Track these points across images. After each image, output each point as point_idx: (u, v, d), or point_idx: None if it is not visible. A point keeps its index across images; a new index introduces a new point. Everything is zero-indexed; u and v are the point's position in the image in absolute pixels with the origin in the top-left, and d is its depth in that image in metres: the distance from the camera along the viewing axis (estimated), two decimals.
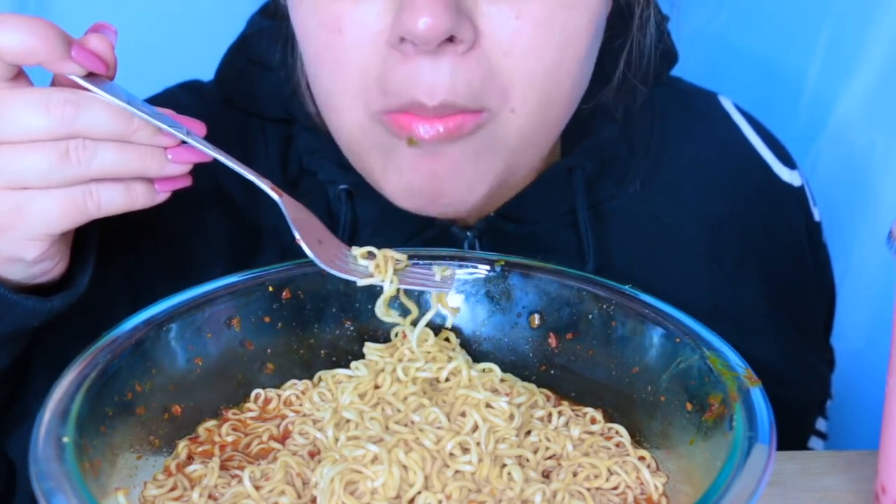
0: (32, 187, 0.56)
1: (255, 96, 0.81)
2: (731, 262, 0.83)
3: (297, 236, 0.60)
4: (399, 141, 0.66)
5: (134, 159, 0.57)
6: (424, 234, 0.77)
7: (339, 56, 0.65)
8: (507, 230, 0.78)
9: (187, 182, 0.60)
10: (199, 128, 0.59)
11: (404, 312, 0.65)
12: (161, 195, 0.60)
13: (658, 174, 0.83)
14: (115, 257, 0.74)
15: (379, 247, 0.76)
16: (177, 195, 0.61)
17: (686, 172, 0.84)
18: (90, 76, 0.56)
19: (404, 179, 0.68)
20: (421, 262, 0.65)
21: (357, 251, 0.63)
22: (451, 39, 0.61)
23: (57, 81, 0.58)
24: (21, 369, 0.69)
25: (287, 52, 0.78)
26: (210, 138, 0.80)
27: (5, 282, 0.60)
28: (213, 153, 0.58)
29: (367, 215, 0.77)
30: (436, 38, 0.60)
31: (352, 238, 0.77)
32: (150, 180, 0.59)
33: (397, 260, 0.63)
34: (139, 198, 0.59)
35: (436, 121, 0.64)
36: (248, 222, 0.79)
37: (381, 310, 0.64)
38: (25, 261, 0.58)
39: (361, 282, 0.62)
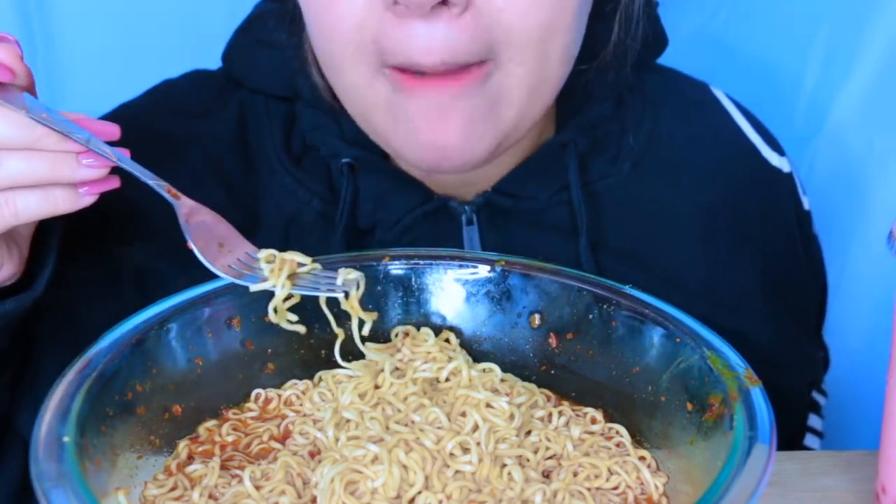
0: None
1: (260, 74, 0.82)
2: (725, 245, 0.84)
3: (188, 240, 0.60)
4: (405, 90, 0.67)
5: (43, 166, 0.57)
6: (424, 207, 0.78)
7: (337, 17, 0.66)
8: (504, 205, 0.79)
9: (114, 184, 0.60)
10: (111, 132, 0.59)
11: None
12: (86, 198, 0.59)
13: (651, 155, 0.84)
14: (107, 244, 0.74)
15: (379, 220, 0.77)
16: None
17: (679, 155, 0.85)
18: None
19: (412, 128, 0.69)
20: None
21: (262, 254, 0.62)
22: (444, 2, 0.62)
23: None
24: (18, 358, 0.70)
25: (293, 31, 0.79)
26: (213, 121, 0.81)
27: None
28: (113, 159, 0.58)
29: (368, 189, 0.78)
30: (429, 2, 0.61)
31: (353, 211, 0.78)
32: (71, 185, 0.59)
33: (300, 264, 0.62)
34: (59, 203, 0.59)
35: (441, 83, 0.65)
36: (246, 205, 0.79)
37: (273, 315, 0.62)
38: None
39: (254, 287, 0.61)
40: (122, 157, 0.59)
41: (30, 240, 0.64)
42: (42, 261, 0.65)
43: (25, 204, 0.58)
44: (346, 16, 0.66)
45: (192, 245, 0.60)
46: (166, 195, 0.61)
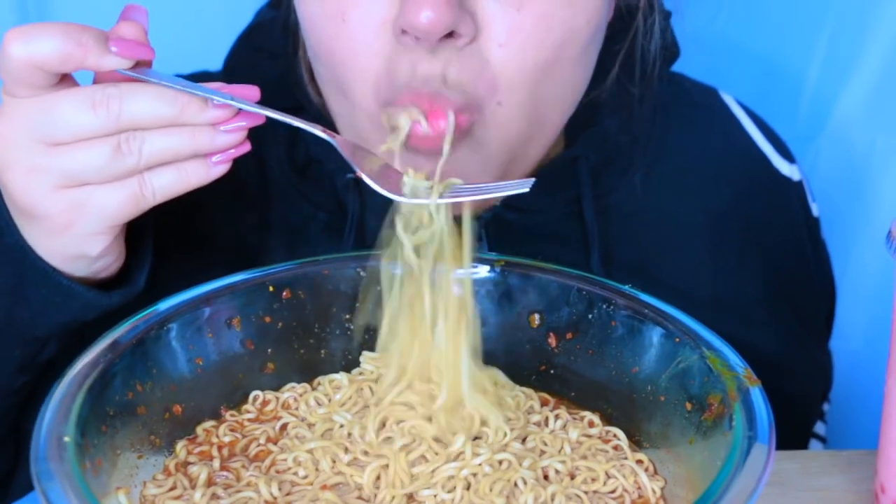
0: (91, 183, 0.57)
1: (262, 84, 0.81)
2: (733, 254, 0.83)
3: (357, 171, 0.59)
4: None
5: (183, 140, 0.57)
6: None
7: (346, 45, 0.65)
8: (513, 220, 0.78)
9: (245, 148, 0.59)
10: (252, 92, 0.59)
11: None
12: (217, 168, 0.59)
13: (660, 166, 0.83)
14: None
15: (385, 237, 0.77)
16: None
17: (688, 164, 0.84)
18: (135, 65, 0.56)
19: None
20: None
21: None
22: (451, 34, 0.61)
23: (99, 76, 0.58)
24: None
25: (288, 41, 0.78)
26: None
27: (68, 278, 0.61)
28: (265, 112, 0.58)
29: (375, 204, 0.77)
30: (437, 33, 0.60)
31: (360, 226, 0.77)
32: (201, 157, 0.58)
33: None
34: (191, 177, 0.58)
35: (433, 121, 0.64)
36: (258, 213, 0.79)
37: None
38: (89, 256, 0.60)
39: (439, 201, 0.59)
40: (269, 108, 0.58)
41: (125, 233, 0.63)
42: (137, 257, 0.64)
43: (161, 183, 0.57)
44: (357, 45, 0.64)
45: (361, 174, 0.59)
46: (322, 135, 0.60)
